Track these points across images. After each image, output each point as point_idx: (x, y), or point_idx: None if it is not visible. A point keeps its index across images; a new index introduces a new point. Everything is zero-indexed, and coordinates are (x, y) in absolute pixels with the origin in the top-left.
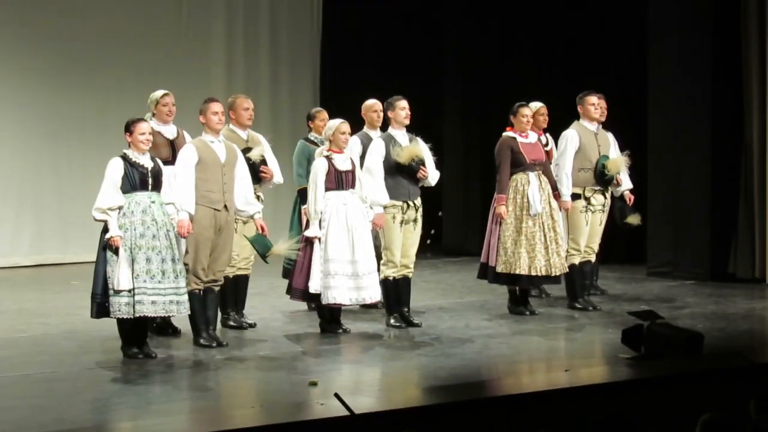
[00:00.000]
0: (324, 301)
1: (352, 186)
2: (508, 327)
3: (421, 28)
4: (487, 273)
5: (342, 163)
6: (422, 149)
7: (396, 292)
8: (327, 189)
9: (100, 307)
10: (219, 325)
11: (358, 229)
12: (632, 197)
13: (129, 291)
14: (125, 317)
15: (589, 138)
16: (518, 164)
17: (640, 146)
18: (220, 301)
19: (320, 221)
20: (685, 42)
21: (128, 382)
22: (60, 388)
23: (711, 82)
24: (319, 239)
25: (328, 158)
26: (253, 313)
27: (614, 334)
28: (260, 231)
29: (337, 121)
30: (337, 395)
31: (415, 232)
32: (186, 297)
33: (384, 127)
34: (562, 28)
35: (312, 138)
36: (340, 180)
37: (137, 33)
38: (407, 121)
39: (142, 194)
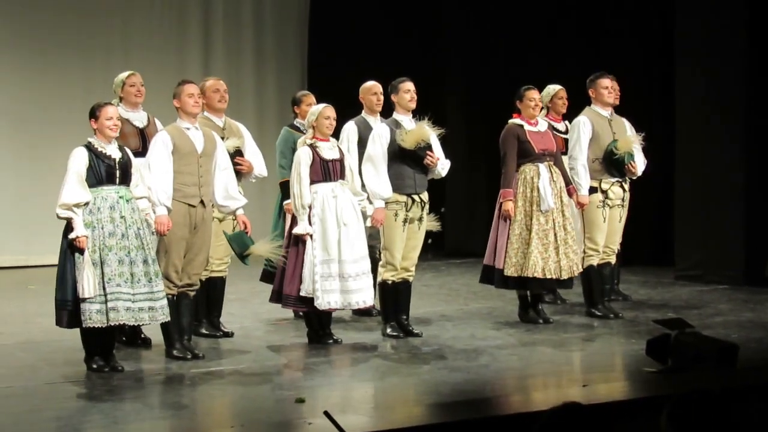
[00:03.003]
0: (322, 307)
1: (341, 176)
2: (519, 337)
3: (420, 3)
4: (490, 276)
5: (328, 151)
6: (430, 133)
7: (394, 297)
8: (312, 181)
9: (72, 315)
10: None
11: (348, 225)
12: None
13: (100, 296)
14: (97, 326)
15: (602, 125)
16: (526, 155)
17: (666, 135)
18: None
19: (309, 217)
20: (716, 18)
21: (93, 398)
22: (16, 405)
23: (745, 64)
24: (311, 236)
25: (312, 146)
26: (231, 321)
27: (638, 344)
28: (242, 228)
29: (320, 106)
30: (326, 414)
31: (419, 233)
32: (163, 302)
33: (385, 113)
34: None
35: (297, 124)
36: (326, 170)
37: (104, 8)
38: (413, 105)
39: (109, 188)
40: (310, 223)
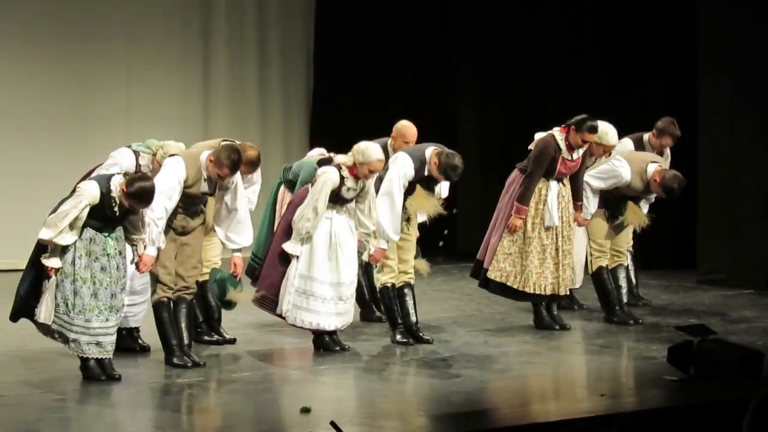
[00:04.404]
0: (299, 324)
1: (343, 205)
2: (535, 344)
3: (430, 8)
4: (478, 272)
5: (350, 190)
6: (436, 205)
7: (400, 301)
8: None
9: (20, 310)
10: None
11: (343, 247)
12: None
13: (66, 324)
14: (54, 340)
15: (638, 183)
16: (545, 173)
17: (689, 136)
18: None
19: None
20: (740, 22)
21: (88, 408)
22: (8, 415)
23: None
24: (297, 257)
25: (342, 178)
26: (233, 326)
27: (659, 352)
28: (231, 270)
29: (373, 156)
30: (333, 424)
31: (409, 233)
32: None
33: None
34: (596, 5)
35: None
36: (334, 201)
37: (104, 5)
38: (441, 179)
39: (96, 225)
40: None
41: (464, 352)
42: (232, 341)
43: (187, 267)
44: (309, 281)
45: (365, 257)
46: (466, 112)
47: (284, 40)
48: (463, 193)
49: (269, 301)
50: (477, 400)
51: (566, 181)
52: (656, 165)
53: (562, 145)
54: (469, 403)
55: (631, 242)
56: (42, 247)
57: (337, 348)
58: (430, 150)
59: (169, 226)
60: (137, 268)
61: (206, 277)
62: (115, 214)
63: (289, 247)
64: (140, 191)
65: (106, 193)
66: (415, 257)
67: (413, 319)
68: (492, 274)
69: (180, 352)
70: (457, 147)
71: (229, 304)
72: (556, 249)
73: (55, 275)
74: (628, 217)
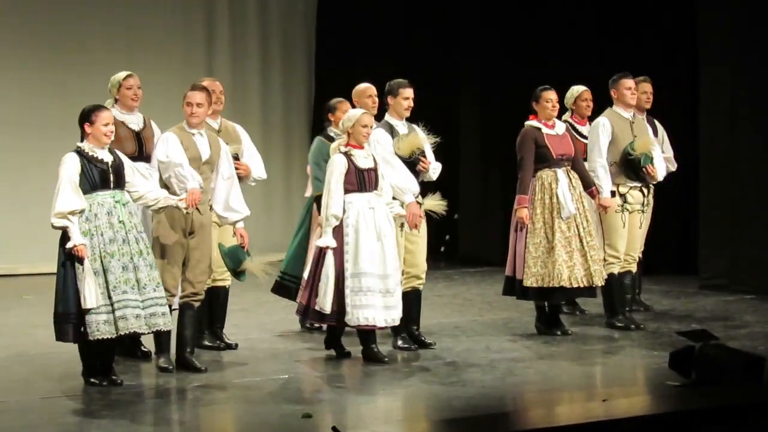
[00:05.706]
0: (353, 323)
1: (376, 187)
2: (536, 349)
3: (430, 8)
4: (514, 288)
5: (363, 159)
6: (423, 139)
7: (405, 307)
8: (347, 191)
9: (77, 328)
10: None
11: (387, 238)
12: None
13: (107, 306)
14: (107, 337)
15: (622, 127)
16: (543, 160)
17: (690, 137)
18: None
19: (337, 228)
20: (741, 18)
21: (90, 413)
22: (11, 420)
23: None
24: (333, 249)
25: (347, 155)
26: (235, 332)
27: (660, 357)
28: (239, 241)
29: (357, 112)
30: (335, 429)
31: (420, 236)
32: (168, 308)
33: (379, 115)
34: (596, 5)
35: (332, 134)
36: (362, 180)
37: (108, 10)
38: (408, 114)
39: (104, 193)
40: (342, 234)
41: (466, 358)
42: (234, 347)
43: (196, 273)
44: (359, 277)
45: (405, 227)
46: (466, 112)
47: (285, 40)
48: (463, 199)
49: (314, 312)
50: (478, 405)
51: (573, 173)
52: None
53: (537, 124)
54: (471, 409)
55: (642, 247)
56: (63, 249)
57: (385, 360)
58: None
59: (178, 227)
60: (186, 206)
61: (216, 284)
62: (108, 167)
63: (321, 241)
64: (95, 106)
65: (83, 153)
66: None
67: (415, 325)
68: (528, 282)
69: (165, 357)
70: (458, 148)
71: (242, 275)
72: (580, 240)
73: (86, 255)
74: (639, 146)
